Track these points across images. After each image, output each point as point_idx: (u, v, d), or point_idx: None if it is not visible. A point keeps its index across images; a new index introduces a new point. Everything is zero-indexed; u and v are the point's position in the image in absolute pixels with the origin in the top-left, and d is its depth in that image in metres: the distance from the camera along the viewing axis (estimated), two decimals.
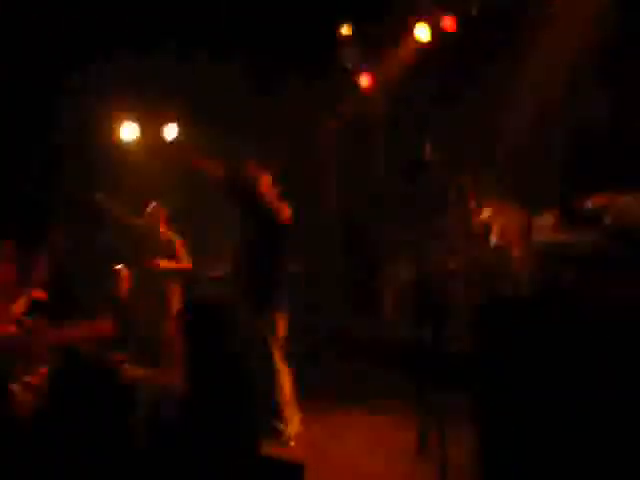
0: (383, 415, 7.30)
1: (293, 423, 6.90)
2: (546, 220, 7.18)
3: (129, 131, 10.42)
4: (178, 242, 9.06)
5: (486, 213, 8.43)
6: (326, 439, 6.83)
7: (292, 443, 6.73)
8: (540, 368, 3.00)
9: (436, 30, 9.35)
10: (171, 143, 10.20)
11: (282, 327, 6.81)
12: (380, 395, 7.76)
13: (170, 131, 10.39)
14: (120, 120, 10.37)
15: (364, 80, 10.35)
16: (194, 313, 3.94)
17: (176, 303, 8.85)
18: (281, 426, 6.76)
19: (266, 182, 6.90)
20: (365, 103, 10.65)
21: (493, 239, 8.26)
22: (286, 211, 6.74)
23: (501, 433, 3.14)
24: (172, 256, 8.98)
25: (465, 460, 4.17)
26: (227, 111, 9.86)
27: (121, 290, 8.18)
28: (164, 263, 8.87)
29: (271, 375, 6.70)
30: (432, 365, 3.49)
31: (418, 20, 9.44)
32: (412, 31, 9.50)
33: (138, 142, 10.36)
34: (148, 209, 9.21)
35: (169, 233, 9.14)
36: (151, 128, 10.35)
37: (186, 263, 9.04)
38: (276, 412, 6.72)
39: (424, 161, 3.58)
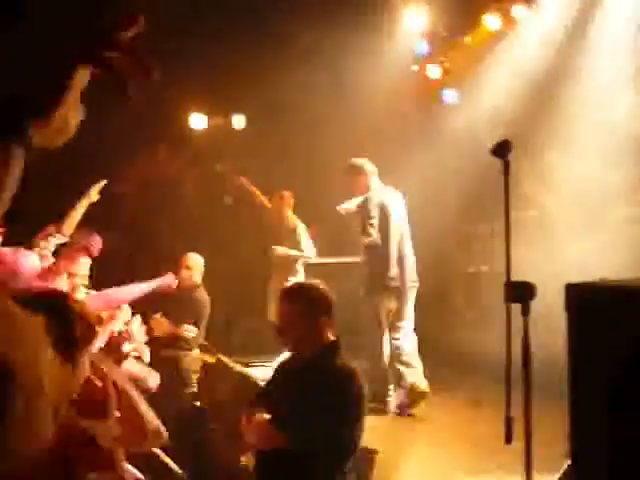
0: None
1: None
2: None
3: (198, 121, 10.60)
4: (302, 229, 9.03)
5: None
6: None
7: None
8: None
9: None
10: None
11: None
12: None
13: (238, 121, 10.55)
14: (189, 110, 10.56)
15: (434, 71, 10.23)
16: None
17: None
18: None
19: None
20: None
21: None
22: None
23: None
24: (295, 243, 8.97)
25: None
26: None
27: None
28: (283, 250, 8.90)
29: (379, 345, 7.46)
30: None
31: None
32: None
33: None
34: (277, 195, 9.21)
35: (294, 220, 9.12)
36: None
37: (309, 251, 9.02)
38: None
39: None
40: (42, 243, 5.65)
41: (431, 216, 9.01)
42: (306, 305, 3.83)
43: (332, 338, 3.84)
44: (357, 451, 3.78)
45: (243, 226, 10.56)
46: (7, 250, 4.24)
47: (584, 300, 2.87)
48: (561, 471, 4.52)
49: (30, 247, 5.55)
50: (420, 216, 8.51)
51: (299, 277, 8.89)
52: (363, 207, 7.54)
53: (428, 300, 9.09)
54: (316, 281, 4.06)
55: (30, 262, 4.11)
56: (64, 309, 2.40)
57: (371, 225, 7.44)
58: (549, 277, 5.05)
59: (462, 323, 9.09)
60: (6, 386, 1.25)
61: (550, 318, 3.86)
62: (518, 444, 3.43)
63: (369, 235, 7.44)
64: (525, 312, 3.32)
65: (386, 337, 7.51)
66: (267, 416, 3.73)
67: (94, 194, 6.30)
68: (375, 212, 7.48)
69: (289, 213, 9.11)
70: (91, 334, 2.49)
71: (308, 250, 8.95)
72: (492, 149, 3.43)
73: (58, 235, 5.89)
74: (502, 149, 3.42)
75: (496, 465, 5.65)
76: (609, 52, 8.14)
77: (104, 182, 6.33)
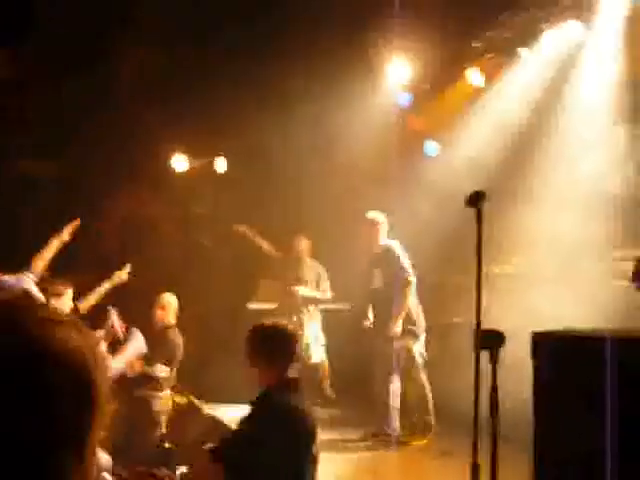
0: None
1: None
2: None
3: (180, 163, 10.66)
4: (324, 273, 9.46)
5: None
6: None
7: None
8: None
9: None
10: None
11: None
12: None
13: (220, 164, 10.64)
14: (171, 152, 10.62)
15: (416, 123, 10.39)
16: None
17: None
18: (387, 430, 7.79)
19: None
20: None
21: None
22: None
23: None
24: (318, 285, 9.42)
25: None
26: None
27: None
28: (303, 290, 9.31)
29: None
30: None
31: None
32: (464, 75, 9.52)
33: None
34: (296, 241, 9.58)
35: (316, 264, 9.53)
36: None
37: (328, 293, 9.44)
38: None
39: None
40: (10, 281, 5.64)
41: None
42: (260, 348, 3.93)
43: (289, 377, 3.92)
44: None
45: (221, 268, 10.60)
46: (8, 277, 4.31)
47: (549, 347, 2.93)
48: None
49: None
50: None
51: (318, 320, 9.41)
52: (389, 254, 8.07)
53: None
54: (277, 321, 4.12)
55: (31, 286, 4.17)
56: None
57: (405, 265, 8.01)
58: (519, 330, 5.10)
59: (435, 373, 9.07)
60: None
61: (521, 369, 3.91)
62: None
63: (409, 274, 7.97)
64: (493, 360, 3.37)
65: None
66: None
67: (66, 234, 6.36)
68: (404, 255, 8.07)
69: (307, 259, 9.51)
70: None
71: (328, 292, 9.39)
72: (466, 199, 3.51)
73: (27, 273, 5.93)
74: (475, 199, 3.49)
75: None
76: (583, 111, 8.31)
77: (77, 223, 6.40)
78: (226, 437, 3.88)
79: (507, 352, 3.40)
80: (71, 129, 9.83)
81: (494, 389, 3.39)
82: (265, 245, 9.70)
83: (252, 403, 3.89)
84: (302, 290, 9.22)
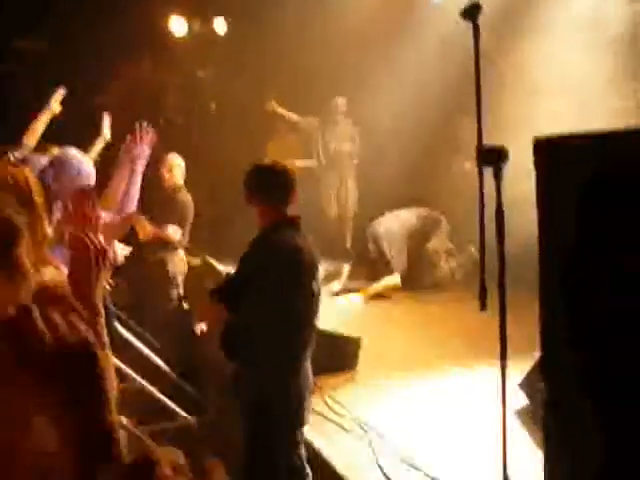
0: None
1: None
2: None
3: (178, 25, 10.39)
4: (356, 133, 10.14)
5: None
6: None
7: None
8: None
9: None
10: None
11: None
12: None
13: (220, 24, 10.36)
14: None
15: None
16: None
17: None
18: None
19: None
20: None
21: None
22: None
23: None
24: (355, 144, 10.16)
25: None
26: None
27: None
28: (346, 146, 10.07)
29: None
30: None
31: None
32: None
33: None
34: (333, 101, 10.05)
35: (349, 123, 10.10)
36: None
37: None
38: None
39: None
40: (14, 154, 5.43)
41: (414, 115, 9.02)
42: (257, 186, 3.81)
43: (288, 215, 3.80)
44: (307, 325, 3.75)
45: (228, 132, 10.49)
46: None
47: (554, 154, 2.76)
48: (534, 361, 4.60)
49: None
50: (404, 115, 8.57)
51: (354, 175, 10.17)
52: None
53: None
54: (274, 160, 4.01)
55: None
56: None
57: None
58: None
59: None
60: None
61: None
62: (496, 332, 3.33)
63: None
64: (497, 177, 3.28)
65: None
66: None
67: (55, 105, 6.09)
68: None
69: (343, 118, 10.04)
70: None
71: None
72: (461, 12, 3.34)
73: (24, 146, 5.68)
74: (472, 11, 3.33)
75: (476, 349, 5.76)
76: None
77: (62, 91, 6.12)
78: (226, 277, 3.81)
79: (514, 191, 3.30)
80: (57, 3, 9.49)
81: (499, 208, 3.31)
82: (296, 117, 10.14)
83: (251, 242, 3.80)
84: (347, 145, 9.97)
